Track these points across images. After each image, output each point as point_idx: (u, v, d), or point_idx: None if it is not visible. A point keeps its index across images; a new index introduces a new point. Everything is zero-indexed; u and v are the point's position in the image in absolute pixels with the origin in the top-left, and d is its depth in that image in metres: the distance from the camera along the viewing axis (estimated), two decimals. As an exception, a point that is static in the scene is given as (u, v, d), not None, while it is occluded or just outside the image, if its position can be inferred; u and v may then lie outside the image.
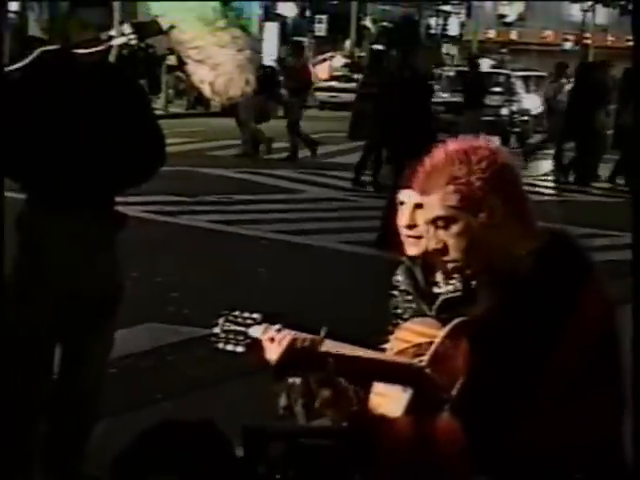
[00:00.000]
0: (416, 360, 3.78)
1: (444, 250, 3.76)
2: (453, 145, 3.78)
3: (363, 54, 61.08)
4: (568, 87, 25.00)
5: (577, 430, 3.60)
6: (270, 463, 2.96)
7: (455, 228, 3.71)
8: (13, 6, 37.07)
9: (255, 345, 3.85)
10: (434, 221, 3.74)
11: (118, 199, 6.04)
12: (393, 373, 3.77)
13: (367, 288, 4.20)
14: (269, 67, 33.15)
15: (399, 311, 4.17)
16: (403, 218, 4.10)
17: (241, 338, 3.89)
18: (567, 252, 3.76)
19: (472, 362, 3.66)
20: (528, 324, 3.58)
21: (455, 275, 4.01)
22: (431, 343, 3.82)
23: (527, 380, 3.56)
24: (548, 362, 3.55)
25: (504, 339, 3.62)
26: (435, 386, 3.69)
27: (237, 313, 3.95)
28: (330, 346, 3.74)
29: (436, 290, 4.09)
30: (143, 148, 5.97)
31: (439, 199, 3.70)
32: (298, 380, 3.93)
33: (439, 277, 4.12)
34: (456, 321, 3.81)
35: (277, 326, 3.85)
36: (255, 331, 3.88)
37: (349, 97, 48.85)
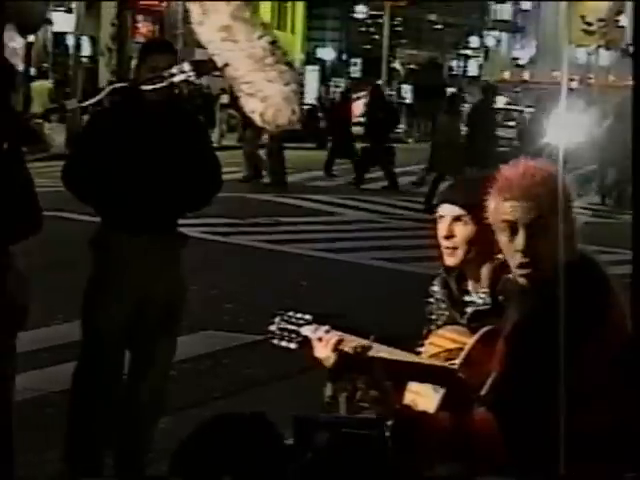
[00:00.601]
0: (447, 363, 3.77)
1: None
2: (532, 164, 3.77)
3: (393, 93, 61.09)
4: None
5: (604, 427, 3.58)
6: (317, 450, 2.95)
7: (523, 233, 3.66)
8: (86, 51, 37.20)
9: (305, 343, 3.86)
10: (509, 222, 3.68)
11: (180, 221, 6.17)
12: (429, 374, 3.75)
13: (401, 299, 4.19)
14: (311, 105, 33.16)
15: (433, 317, 4.15)
16: (442, 230, 4.08)
17: (294, 336, 3.90)
18: (593, 271, 3.73)
19: (501, 365, 3.63)
20: (552, 333, 3.53)
21: (485, 286, 4.00)
22: (461, 349, 3.82)
23: (550, 381, 3.52)
24: (572, 368, 3.51)
25: (531, 346, 3.59)
26: (465, 386, 3.68)
27: (291, 313, 3.96)
28: (373, 349, 3.74)
29: (467, 299, 4.07)
30: (203, 177, 6.08)
31: (520, 207, 3.66)
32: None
33: (471, 287, 4.10)
34: (486, 329, 3.80)
35: (326, 327, 3.85)
36: (306, 330, 3.88)
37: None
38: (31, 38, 36.99)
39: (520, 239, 3.67)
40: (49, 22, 39.45)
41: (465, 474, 3.66)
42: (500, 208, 3.69)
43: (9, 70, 3.50)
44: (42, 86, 31.75)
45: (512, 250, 3.68)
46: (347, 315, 3.88)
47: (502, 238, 3.70)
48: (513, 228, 3.65)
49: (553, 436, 3.48)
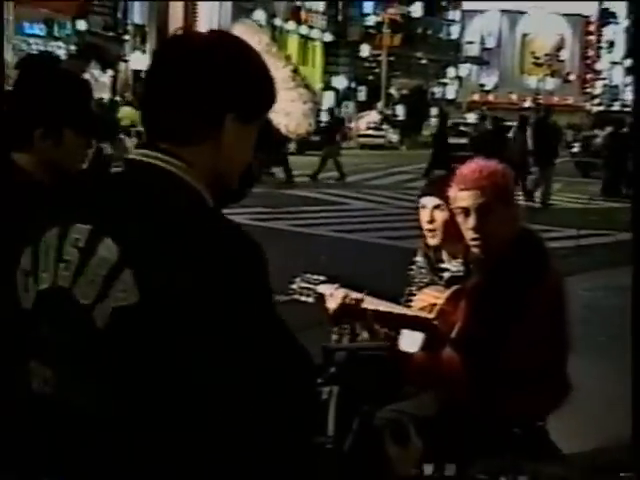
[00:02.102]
0: (428, 314, 3.76)
1: (452, 226, 3.80)
2: (481, 163, 3.78)
3: (389, 112, 61.12)
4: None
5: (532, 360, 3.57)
6: (338, 364, 2.92)
7: (475, 217, 3.69)
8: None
9: (320, 298, 3.84)
10: (463, 209, 3.73)
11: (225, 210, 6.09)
12: (411, 322, 3.74)
13: (399, 265, 4.21)
14: (327, 122, 33.07)
15: (416, 280, 4.15)
16: (425, 217, 4.08)
17: (311, 292, 3.89)
18: (532, 243, 3.75)
19: (465, 315, 3.66)
20: (503, 291, 3.57)
21: (459, 258, 4.00)
22: (441, 304, 3.84)
23: (503, 328, 3.53)
24: (517, 316, 3.54)
25: (488, 300, 3.61)
26: (438, 332, 3.67)
27: (309, 275, 3.95)
28: (370, 302, 3.73)
29: (443, 266, 4.07)
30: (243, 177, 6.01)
31: (470, 195, 3.70)
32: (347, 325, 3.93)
33: (445, 258, 4.10)
34: (455, 287, 3.80)
35: (335, 285, 3.83)
36: (321, 288, 3.86)
37: (380, 141, 48.66)
38: (112, 72, 37.04)
39: (471, 221, 3.70)
40: (127, 61, 39.42)
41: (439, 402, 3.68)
42: (457, 197, 3.75)
43: (86, 85, 3.50)
44: (127, 111, 32.05)
45: (466, 229, 3.72)
46: (355, 279, 3.84)
47: (459, 220, 3.75)
48: (466, 212, 3.69)
49: (500, 368, 3.51)
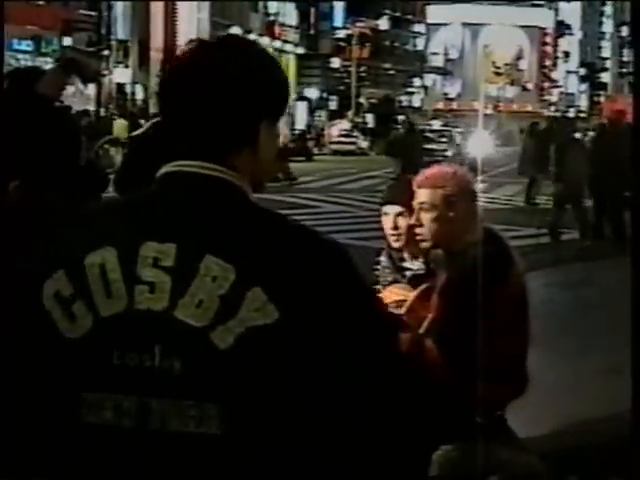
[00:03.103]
0: (395, 311, 3.78)
1: (417, 229, 3.80)
2: (442, 167, 3.82)
3: (360, 120, 61.13)
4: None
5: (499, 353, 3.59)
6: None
7: (433, 213, 3.71)
8: (139, 95, 36.99)
9: None
10: (421, 204, 3.75)
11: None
12: None
13: (365, 265, 4.23)
14: (301, 130, 33.10)
15: (381, 279, 4.16)
16: (388, 223, 4.09)
17: None
18: (495, 242, 3.76)
19: (435, 311, 3.66)
20: (468, 288, 3.58)
21: (419, 258, 4.01)
22: (404, 301, 3.84)
23: (470, 323, 3.54)
24: (482, 309, 3.55)
25: (455, 296, 3.62)
26: (408, 327, 3.68)
27: None
28: None
29: (405, 265, 4.09)
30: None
31: (429, 193, 3.72)
32: None
33: (407, 257, 4.12)
34: (424, 286, 3.81)
35: None
36: None
37: (351, 147, 48.75)
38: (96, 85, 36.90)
39: (426, 216, 3.74)
40: (106, 76, 39.24)
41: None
42: (417, 195, 3.75)
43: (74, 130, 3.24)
44: (121, 123, 32.07)
45: (427, 227, 3.74)
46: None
47: (420, 217, 3.77)
48: (424, 208, 3.72)
49: (467, 361, 3.52)
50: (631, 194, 3.58)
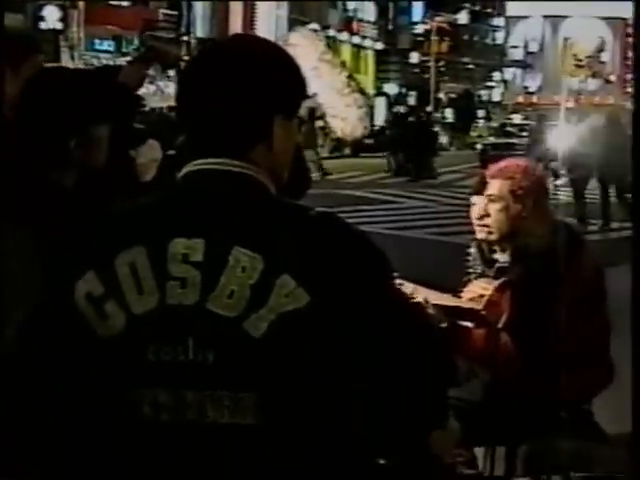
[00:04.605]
0: (477, 305, 3.76)
1: (487, 218, 3.80)
2: (514, 160, 3.80)
3: (438, 114, 60.84)
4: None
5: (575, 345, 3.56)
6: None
7: (500, 205, 3.71)
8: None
9: None
10: (489, 196, 3.76)
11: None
12: (461, 312, 3.74)
13: (449, 259, 4.21)
14: (380, 125, 33.06)
15: (471, 271, 4.15)
16: (476, 212, 4.10)
17: None
18: (568, 233, 3.74)
19: (511, 305, 3.65)
20: (544, 279, 3.56)
21: (507, 251, 4.00)
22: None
23: (546, 312, 3.52)
24: (558, 300, 3.53)
25: (531, 290, 3.60)
26: (486, 322, 3.67)
27: None
28: (426, 292, 3.72)
29: (494, 257, 4.08)
30: (298, 178, 5.93)
31: (498, 184, 3.72)
32: None
33: (497, 249, 4.11)
34: (501, 280, 3.79)
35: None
36: None
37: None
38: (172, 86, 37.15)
39: (495, 207, 3.75)
40: (186, 61, 39.51)
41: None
42: (488, 185, 3.75)
43: (132, 95, 3.40)
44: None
45: (493, 218, 3.73)
46: (409, 273, 3.84)
47: (488, 208, 3.76)
48: (493, 200, 3.71)
49: (546, 354, 3.52)
50: (631, 195, 3.61)
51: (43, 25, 37.68)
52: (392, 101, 66.27)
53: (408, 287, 3.75)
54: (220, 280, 1.68)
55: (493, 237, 3.82)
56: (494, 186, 3.77)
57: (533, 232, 3.69)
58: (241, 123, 1.80)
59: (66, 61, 38.19)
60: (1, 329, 2.57)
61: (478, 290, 3.87)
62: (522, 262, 3.73)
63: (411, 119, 31.15)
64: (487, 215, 3.81)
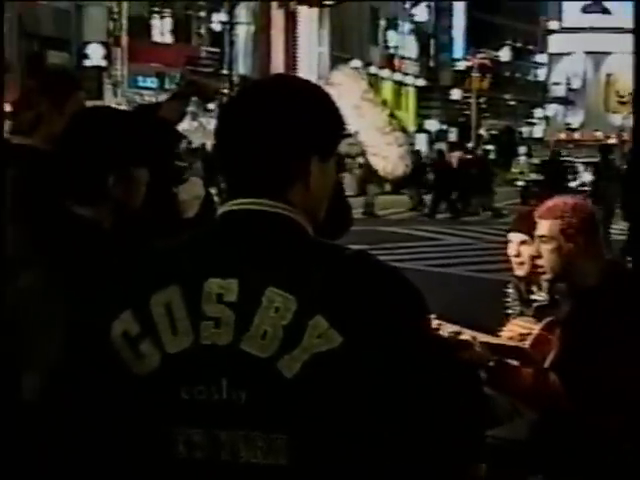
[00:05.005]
0: (520, 344, 3.73)
1: (540, 259, 3.77)
2: (562, 198, 3.77)
3: (480, 151, 60.80)
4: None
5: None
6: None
7: (552, 245, 3.67)
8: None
9: None
10: (541, 237, 3.72)
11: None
12: (507, 351, 3.71)
13: (489, 297, 4.20)
14: (422, 163, 33.09)
15: (509, 311, 4.14)
16: (512, 251, 4.09)
17: None
18: (621, 276, 3.70)
19: (559, 344, 3.62)
20: (594, 317, 3.52)
21: (545, 289, 3.98)
22: (529, 334, 3.80)
23: (596, 350, 3.49)
24: (608, 339, 3.49)
25: (579, 331, 3.57)
26: (532, 360, 3.64)
27: None
28: (466, 333, 3.70)
29: (532, 297, 4.06)
30: (339, 217, 5.92)
31: (549, 225, 3.69)
32: None
33: (535, 289, 4.09)
34: (548, 319, 3.77)
35: (432, 317, 3.83)
36: None
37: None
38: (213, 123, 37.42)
39: (547, 247, 3.69)
40: (225, 95, 39.86)
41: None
42: (538, 226, 3.72)
43: (173, 132, 3.44)
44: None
45: (544, 257, 3.71)
46: (450, 311, 3.82)
47: (540, 249, 3.73)
48: (544, 240, 3.68)
49: (594, 393, 3.47)
50: (632, 196, 3.56)
51: (87, 62, 38.24)
52: (433, 138, 66.37)
53: (452, 327, 3.73)
54: (254, 320, 1.69)
55: (547, 277, 3.78)
56: (544, 226, 3.72)
57: (585, 270, 3.65)
58: (278, 163, 1.81)
59: (109, 98, 38.65)
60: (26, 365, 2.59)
61: (518, 329, 3.85)
62: (572, 300, 3.69)
63: (466, 156, 31.33)
64: (539, 256, 3.77)
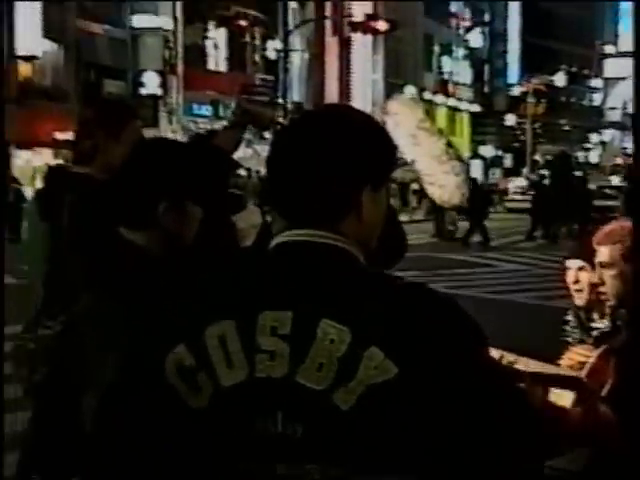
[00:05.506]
0: (578, 373, 3.69)
1: (601, 286, 3.71)
2: (619, 223, 3.75)
3: (535, 177, 60.52)
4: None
5: None
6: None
7: (614, 271, 3.63)
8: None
9: None
10: (601, 264, 3.68)
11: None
12: (562, 381, 3.67)
13: (546, 325, 4.18)
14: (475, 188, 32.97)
15: (569, 339, 4.09)
16: (570, 277, 4.04)
17: None
18: None
19: (616, 373, 3.57)
20: None
21: (606, 315, 3.93)
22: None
23: None
24: None
25: (635, 360, 3.52)
26: (589, 390, 3.59)
27: None
28: (522, 362, 3.67)
29: (593, 325, 4.01)
30: (393, 244, 5.91)
31: (609, 250, 3.65)
32: None
33: (595, 317, 4.04)
34: (605, 347, 3.71)
35: (493, 347, 3.80)
36: None
37: (526, 205, 48.41)
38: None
39: (608, 273, 3.63)
40: (281, 124, 39.96)
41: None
42: (597, 253, 3.68)
43: (229, 160, 3.46)
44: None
45: (606, 284, 3.66)
46: (507, 339, 3.79)
47: (602, 275, 3.68)
48: (605, 266, 3.63)
49: None
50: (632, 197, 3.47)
51: (143, 91, 38.70)
52: (488, 163, 66.17)
53: (509, 356, 3.70)
54: (309, 353, 1.68)
55: (611, 304, 3.74)
56: (604, 253, 3.67)
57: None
58: (330, 194, 1.81)
59: (164, 126, 39.06)
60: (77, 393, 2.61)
61: (577, 357, 3.80)
62: (629, 326, 3.65)
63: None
64: (601, 283, 3.73)
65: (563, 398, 3.72)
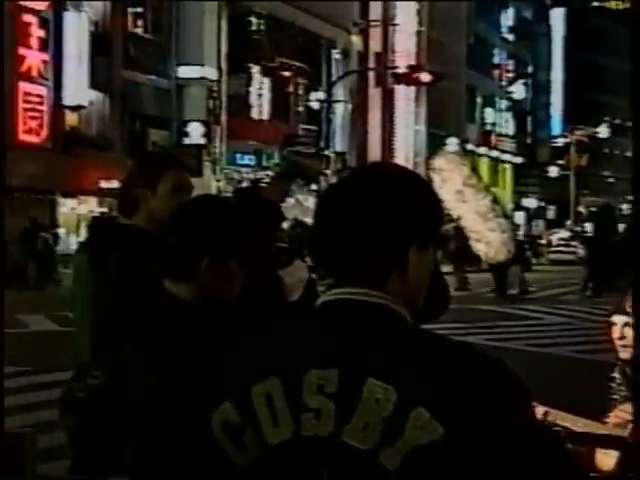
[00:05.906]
0: (624, 431, 3.64)
1: None
2: None
3: (578, 228, 60.23)
4: None
5: None
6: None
7: None
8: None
9: None
10: None
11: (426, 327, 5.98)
12: (605, 440, 3.63)
13: (593, 379, 4.11)
14: (519, 240, 32.82)
15: (615, 397, 4.04)
16: (616, 333, 4.01)
17: None
18: None
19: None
20: None
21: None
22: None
23: None
24: None
25: None
26: (633, 450, 3.54)
27: None
28: (562, 417, 3.63)
29: (639, 381, 3.96)
30: (437, 297, 5.87)
31: None
32: None
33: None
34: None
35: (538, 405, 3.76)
36: None
37: (570, 257, 48.12)
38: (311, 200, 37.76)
39: None
40: (327, 175, 40.02)
41: None
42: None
43: (278, 212, 3.48)
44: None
45: None
46: (551, 392, 3.74)
47: None
48: None
49: None
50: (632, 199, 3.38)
51: (187, 140, 39.03)
52: (531, 215, 65.97)
53: (552, 414, 3.67)
54: (355, 412, 1.68)
55: None
56: None
57: None
58: (377, 253, 1.81)
59: (208, 175, 39.33)
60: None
61: (625, 415, 3.75)
62: None
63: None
64: None
65: (609, 457, 3.68)
